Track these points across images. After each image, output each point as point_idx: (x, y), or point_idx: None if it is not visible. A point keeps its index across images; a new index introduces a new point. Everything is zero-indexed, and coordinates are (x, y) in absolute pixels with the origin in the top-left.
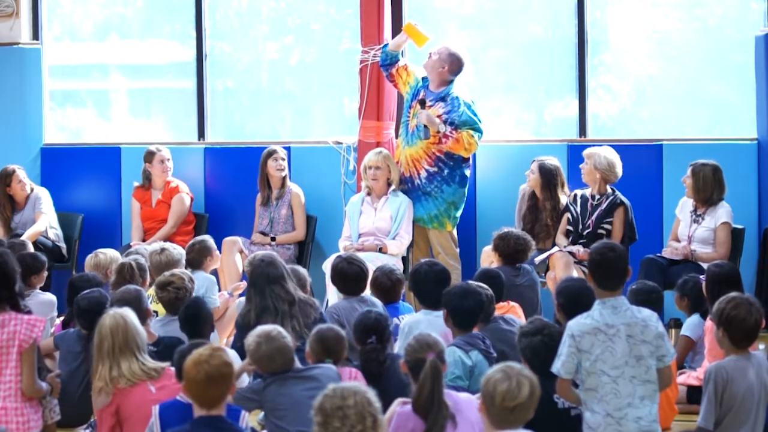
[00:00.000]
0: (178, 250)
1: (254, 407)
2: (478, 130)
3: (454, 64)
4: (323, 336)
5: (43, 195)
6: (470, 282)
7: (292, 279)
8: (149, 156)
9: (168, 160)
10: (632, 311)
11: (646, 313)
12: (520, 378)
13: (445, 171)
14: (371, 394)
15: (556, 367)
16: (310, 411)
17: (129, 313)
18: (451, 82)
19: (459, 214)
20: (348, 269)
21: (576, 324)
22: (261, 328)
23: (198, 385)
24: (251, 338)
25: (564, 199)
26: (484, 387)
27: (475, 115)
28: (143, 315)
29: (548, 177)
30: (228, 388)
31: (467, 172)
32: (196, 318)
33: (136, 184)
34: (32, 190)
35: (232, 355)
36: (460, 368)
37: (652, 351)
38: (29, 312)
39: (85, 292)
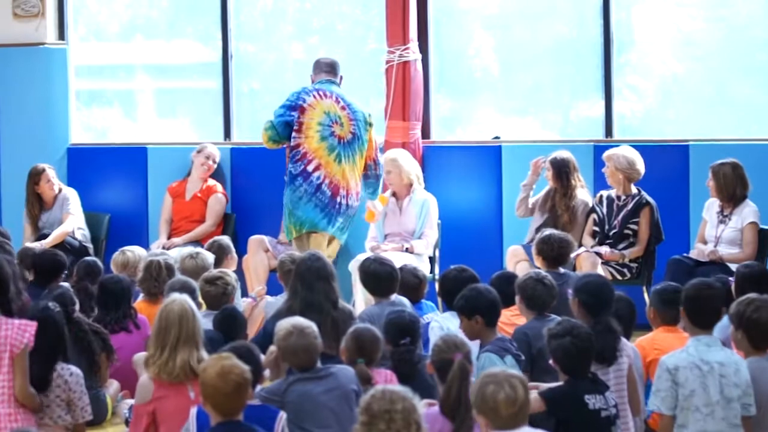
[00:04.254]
0: (209, 255)
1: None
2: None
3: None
4: (359, 335)
5: (71, 195)
6: (474, 284)
7: (337, 281)
8: (201, 149)
9: (214, 160)
10: (726, 352)
11: (738, 357)
12: (511, 381)
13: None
14: (417, 401)
15: (656, 404)
16: (329, 411)
17: (192, 302)
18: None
19: (300, 222)
20: (380, 270)
21: (670, 358)
22: (298, 320)
23: (226, 396)
24: (285, 324)
25: (581, 192)
26: (481, 402)
27: (283, 105)
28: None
29: (560, 167)
30: (249, 395)
31: (293, 169)
32: (232, 320)
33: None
34: (60, 190)
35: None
36: None
37: (740, 396)
38: (33, 317)
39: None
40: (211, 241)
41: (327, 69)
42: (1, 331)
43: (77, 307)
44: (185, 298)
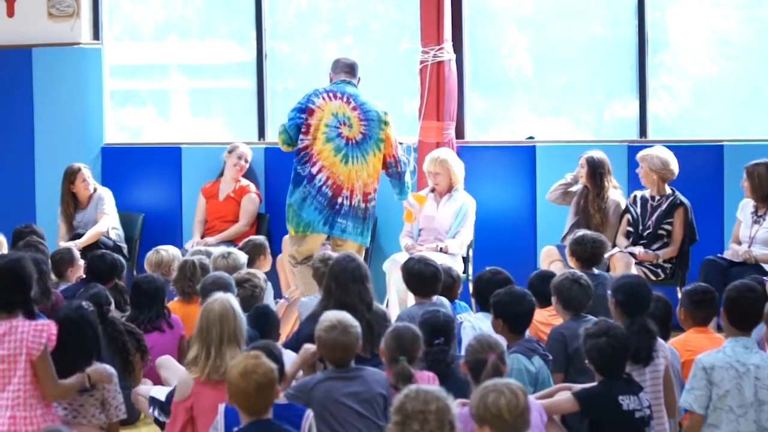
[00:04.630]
0: (242, 255)
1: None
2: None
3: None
4: (400, 333)
5: (106, 195)
6: (513, 287)
7: (371, 283)
8: (233, 149)
9: (246, 160)
10: (761, 355)
11: None
12: (510, 387)
13: None
14: (451, 401)
15: (688, 401)
16: (354, 412)
17: (234, 301)
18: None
19: (303, 224)
20: (425, 270)
21: (707, 357)
22: (344, 315)
23: (248, 396)
24: (330, 316)
25: (613, 193)
26: (484, 410)
27: (294, 108)
28: None
29: (595, 166)
30: (275, 394)
31: (302, 171)
32: (265, 318)
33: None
34: (95, 190)
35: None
36: (525, 377)
37: None
38: (67, 316)
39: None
40: (245, 240)
41: (346, 69)
42: (18, 334)
43: (112, 306)
44: (227, 297)
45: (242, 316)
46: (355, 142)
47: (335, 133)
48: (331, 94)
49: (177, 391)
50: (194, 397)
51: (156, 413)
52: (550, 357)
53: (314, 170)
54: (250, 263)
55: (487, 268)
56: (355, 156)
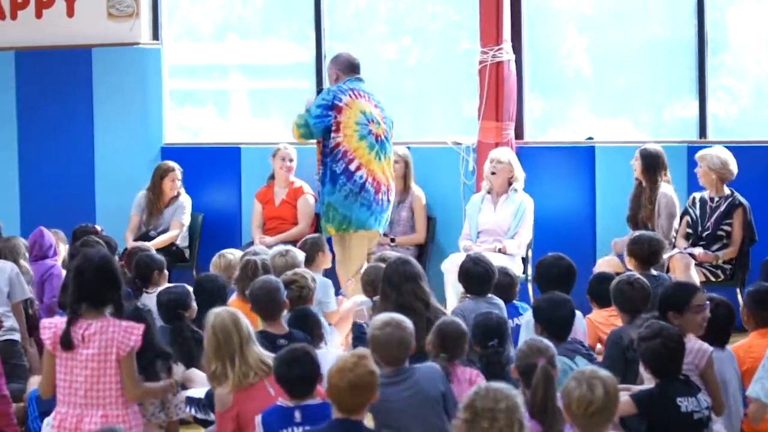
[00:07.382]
0: (300, 253)
1: None
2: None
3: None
4: (443, 331)
5: (187, 205)
6: (555, 292)
7: (426, 281)
8: (275, 152)
9: (291, 160)
10: None
11: None
12: (591, 381)
13: (322, 171)
14: (520, 399)
15: (755, 390)
16: (411, 415)
17: (232, 307)
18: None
19: (347, 221)
20: (473, 269)
21: None
22: (397, 315)
23: (340, 392)
24: (382, 316)
25: (665, 187)
26: (563, 397)
27: (319, 104)
28: (280, 307)
29: (649, 161)
30: (370, 396)
31: (337, 168)
32: (304, 320)
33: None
34: (179, 194)
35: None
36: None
37: None
38: (138, 315)
39: (170, 286)
40: (303, 239)
41: (353, 68)
42: (108, 333)
43: (189, 311)
44: (226, 307)
45: (245, 318)
46: (383, 138)
47: (366, 131)
48: (356, 92)
49: (217, 403)
50: (238, 406)
51: (193, 411)
52: (594, 356)
53: (352, 167)
54: (310, 261)
55: (550, 254)
56: (384, 152)
